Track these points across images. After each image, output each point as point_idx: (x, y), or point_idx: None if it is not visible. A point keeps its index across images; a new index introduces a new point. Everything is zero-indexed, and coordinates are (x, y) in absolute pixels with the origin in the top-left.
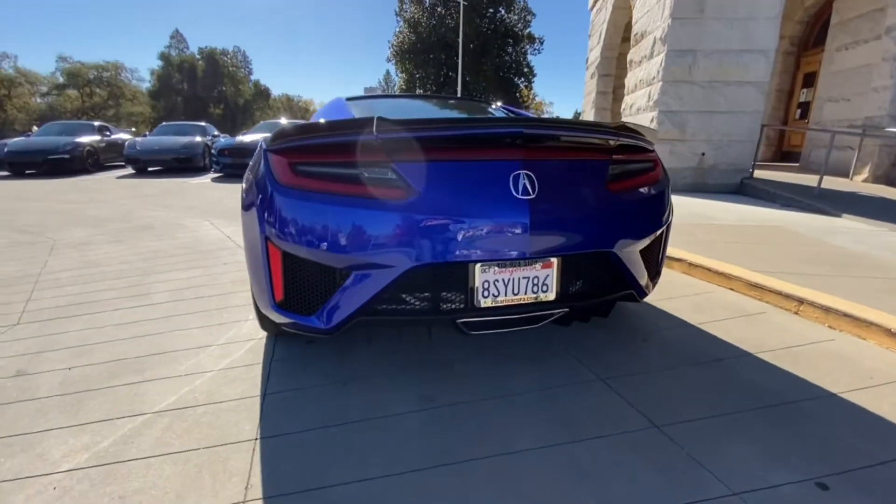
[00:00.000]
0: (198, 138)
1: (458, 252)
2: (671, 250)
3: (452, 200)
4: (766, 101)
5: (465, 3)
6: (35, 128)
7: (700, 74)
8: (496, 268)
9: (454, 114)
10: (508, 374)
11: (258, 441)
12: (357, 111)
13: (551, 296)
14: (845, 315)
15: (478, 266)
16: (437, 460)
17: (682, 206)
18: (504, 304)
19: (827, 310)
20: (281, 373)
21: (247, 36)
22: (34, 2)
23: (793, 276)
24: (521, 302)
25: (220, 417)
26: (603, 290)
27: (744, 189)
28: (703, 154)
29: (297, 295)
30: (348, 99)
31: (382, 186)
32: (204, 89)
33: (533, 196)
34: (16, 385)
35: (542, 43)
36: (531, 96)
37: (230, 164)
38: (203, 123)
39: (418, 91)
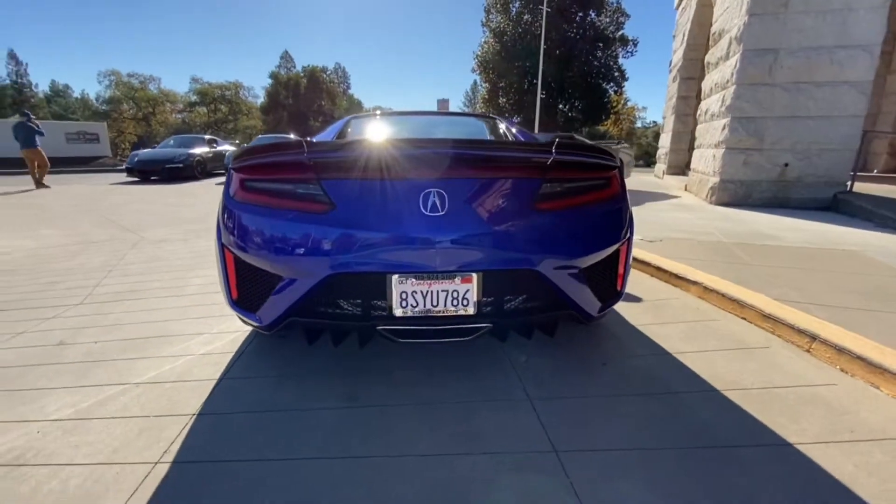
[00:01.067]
0: None
1: (373, 263)
2: (688, 272)
3: (369, 216)
4: (869, 102)
5: (550, 10)
6: (172, 141)
7: (783, 76)
8: (413, 280)
9: (433, 133)
10: (440, 384)
11: (195, 416)
12: (350, 129)
13: (471, 310)
14: (858, 357)
15: (394, 277)
16: (328, 453)
17: (744, 224)
18: (423, 315)
19: (840, 350)
20: (245, 362)
21: (347, 52)
22: (175, 31)
23: (828, 308)
24: (441, 314)
25: (178, 393)
26: (534, 309)
27: (837, 205)
28: (787, 165)
29: (245, 295)
30: (353, 118)
31: (308, 201)
32: (305, 104)
33: (442, 213)
34: (53, 351)
35: (635, 45)
36: (622, 102)
37: None
38: (291, 136)
39: (500, 100)
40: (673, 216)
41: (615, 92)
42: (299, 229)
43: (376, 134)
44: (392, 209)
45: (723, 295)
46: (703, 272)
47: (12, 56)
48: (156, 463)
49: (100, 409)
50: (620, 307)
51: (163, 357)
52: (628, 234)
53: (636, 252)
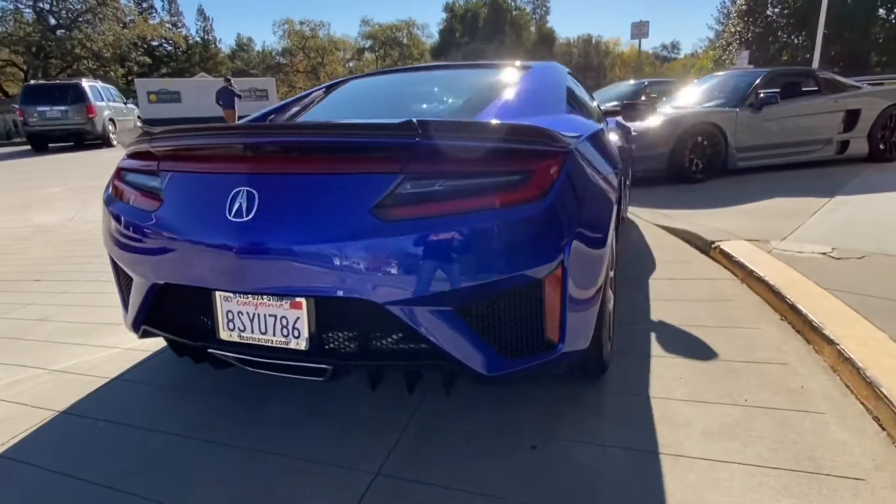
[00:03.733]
0: None
1: (189, 275)
2: (835, 321)
3: (184, 218)
4: None
5: None
6: None
7: None
8: (240, 298)
9: (397, 102)
10: (301, 428)
11: (57, 414)
12: (306, 99)
13: (303, 345)
14: None
15: (219, 293)
16: (122, 485)
17: None
18: (251, 342)
19: None
20: (154, 364)
21: None
22: None
23: None
24: (270, 344)
25: (68, 386)
26: (388, 354)
27: None
28: None
29: (121, 295)
30: (353, 78)
31: (149, 196)
32: (483, 41)
33: (247, 219)
34: (32, 326)
35: None
36: None
37: None
38: None
39: (769, 11)
40: None
41: None
42: (137, 228)
43: (322, 107)
44: (200, 211)
45: (858, 370)
46: (874, 325)
47: (200, 12)
48: None
49: (3, 392)
50: (663, 367)
51: (93, 346)
52: (562, 257)
53: (771, 277)
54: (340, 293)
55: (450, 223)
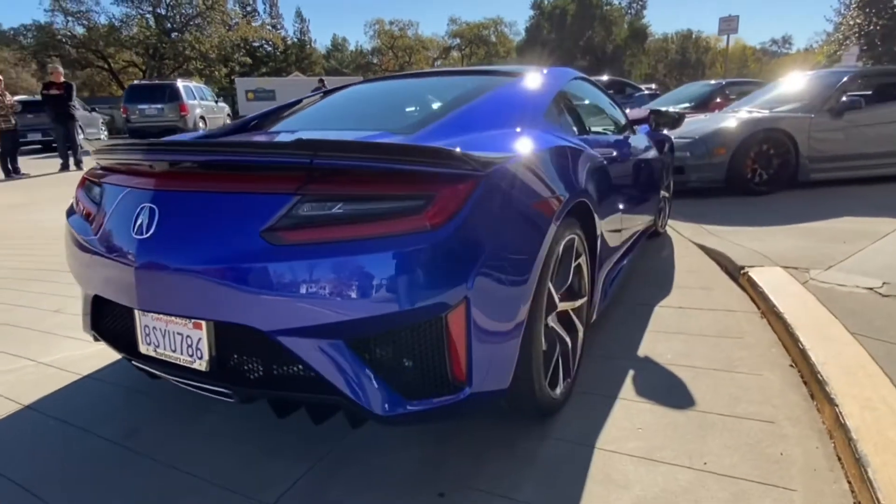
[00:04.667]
0: None
1: (107, 288)
2: (846, 378)
3: (107, 230)
4: None
5: None
6: None
7: None
8: (154, 313)
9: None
10: (220, 450)
11: (19, 408)
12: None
13: (204, 366)
14: None
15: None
16: (37, 488)
17: None
18: (163, 358)
19: None
20: (122, 365)
21: None
22: None
23: None
24: (179, 362)
25: (44, 380)
26: (285, 384)
27: None
28: None
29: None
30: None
31: (87, 208)
32: (571, 37)
33: (146, 236)
34: (43, 317)
35: None
36: None
37: None
38: None
39: None
40: None
41: None
42: (78, 238)
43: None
44: (115, 225)
45: (849, 441)
46: (894, 384)
47: (298, 14)
48: None
49: None
50: (626, 413)
51: (84, 341)
52: (466, 292)
53: (791, 313)
54: (230, 318)
55: (341, 249)
